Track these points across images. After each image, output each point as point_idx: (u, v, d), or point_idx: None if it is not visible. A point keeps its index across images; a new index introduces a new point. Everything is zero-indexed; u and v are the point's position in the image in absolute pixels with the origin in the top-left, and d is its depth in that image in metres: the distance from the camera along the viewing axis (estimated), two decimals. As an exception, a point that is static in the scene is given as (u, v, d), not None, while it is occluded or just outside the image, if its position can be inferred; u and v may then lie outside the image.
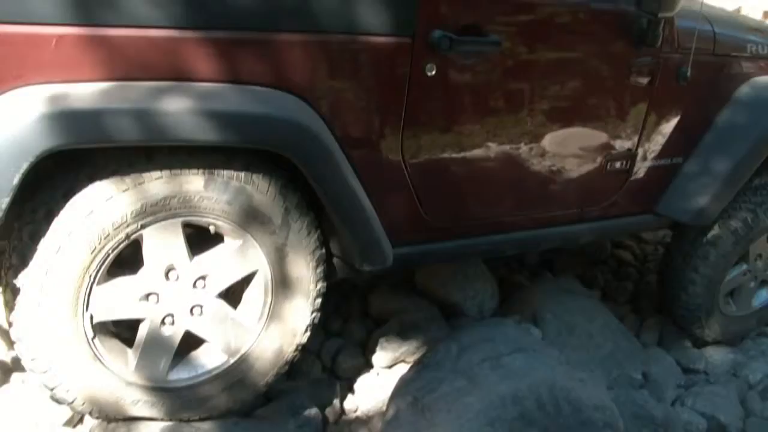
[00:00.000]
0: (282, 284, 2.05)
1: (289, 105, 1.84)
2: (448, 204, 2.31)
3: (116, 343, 1.97)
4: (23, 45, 1.56)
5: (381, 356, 2.62)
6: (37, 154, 1.57)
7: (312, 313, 2.14)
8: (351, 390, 2.56)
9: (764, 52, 2.83)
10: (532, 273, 3.43)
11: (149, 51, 1.68)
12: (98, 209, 1.73)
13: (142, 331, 1.93)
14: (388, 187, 2.14)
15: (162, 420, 2.06)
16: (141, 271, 1.88)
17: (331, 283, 2.23)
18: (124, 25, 1.64)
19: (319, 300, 2.15)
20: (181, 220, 1.85)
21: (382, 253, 2.16)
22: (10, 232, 1.81)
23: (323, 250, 2.11)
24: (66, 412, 2.09)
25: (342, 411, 2.45)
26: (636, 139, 2.57)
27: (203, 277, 1.95)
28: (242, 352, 2.08)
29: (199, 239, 1.95)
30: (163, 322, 1.94)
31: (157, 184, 1.77)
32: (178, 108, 1.68)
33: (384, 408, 2.36)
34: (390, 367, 2.63)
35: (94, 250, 1.75)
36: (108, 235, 1.75)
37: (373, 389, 2.51)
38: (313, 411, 2.30)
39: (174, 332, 1.97)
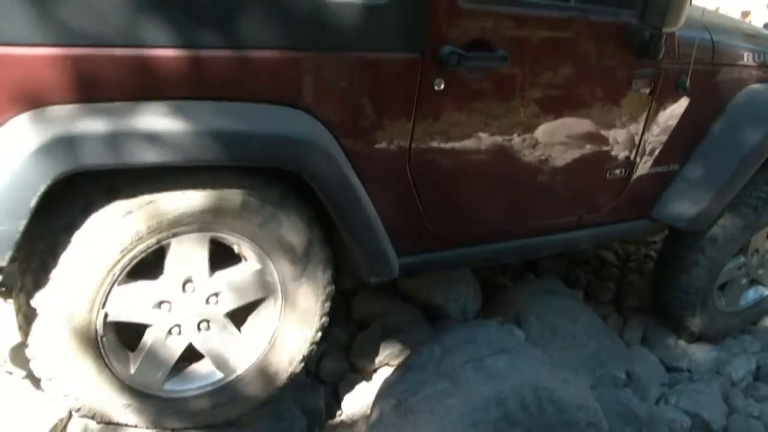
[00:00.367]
0: (289, 314, 2.08)
1: (301, 122, 1.86)
2: (451, 214, 2.34)
3: (120, 345, 1.97)
4: (39, 66, 1.56)
5: (364, 360, 2.62)
6: (56, 176, 1.57)
7: (310, 345, 2.17)
8: (335, 394, 2.56)
9: (760, 60, 2.87)
10: (514, 274, 3.43)
11: (160, 70, 1.67)
12: (136, 211, 1.73)
13: (148, 337, 1.94)
14: (394, 199, 2.17)
15: (146, 428, 2.05)
16: (161, 278, 1.88)
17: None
18: (137, 46, 1.63)
19: (319, 333, 2.18)
20: (210, 235, 1.87)
21: (389, 264, 2.19)
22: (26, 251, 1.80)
23: (333, 287, 2.15)
24: (49, 422, 2.07)
25: (326, 415, 2.44)
26: (635, 147, 2.61)
27: (217, 294, 1.97)
28: (238, 373, 2.09)
29: (217, 256, 1.96)
30: (170, 332, 1.95)
31: (197, 196, 1.78)
32: (197, 128, 1.69)
33: (368, 411, 2.36)
34: (374, 370, 2.62)
35: (124, 250, 1.76)
36: (141, 237, 1.76)
37: (357, 392, 2.51)
38: (297, 415, 2.29)
39: (178, 343, 1.98)
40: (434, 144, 2.13)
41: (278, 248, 1.96)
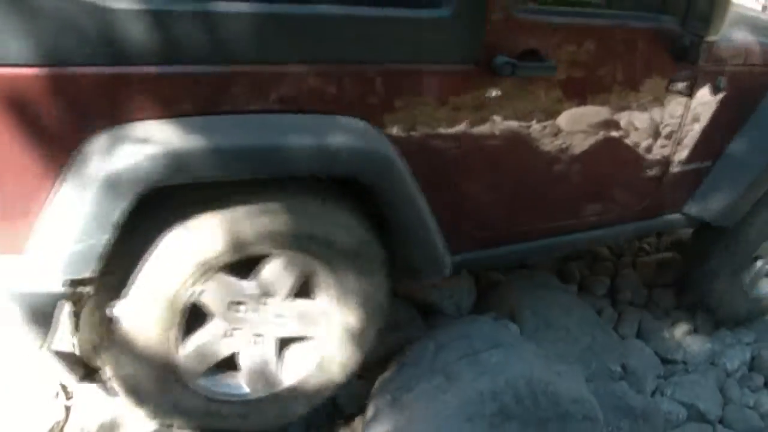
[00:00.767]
0: (329, 362, 2.20)
1: (368, 133, 1.91)
2: (501, 213, 2.43)
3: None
4: (128, 84, 1.61)
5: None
6: (140, 192, 1.63)
7: (335, 390, 2.27)
8: (331, 392, 2.55)
9: None
10: (508, 269, 3.44)
11: (245, 85, 1.73)
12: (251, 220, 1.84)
13: (207, 328, 2.00)
14: (448, 202, 2.24)
15: (151, 422, 2.10)
16: (251, 278, 1.97)
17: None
18: (221, 62, 1.68)
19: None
20: (310, 258, 1.98)
21: (442, 264, 2.29)
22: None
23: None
24: (48, 422, 2.07)
25: (323, 413, 2.44)
26: (672, 146, 2.69)
27: (282, 316, 2.06)
28: (263, 394, 2.15)
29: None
30: (226, 332, 2.02)
31: (297, 218, 1.89)
32: (299, 142, 1.78)
33: (364, 408, 2.35)
34: (369, 367, 2.61)
35: (236, 249, 1.86)
36: (252, 242, 1.86)
37: (353, 390, 2.50)
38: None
39: (228, 346, 2.05)
40: (485, 148, 2.19)
41: (346, 292, 2.09)
